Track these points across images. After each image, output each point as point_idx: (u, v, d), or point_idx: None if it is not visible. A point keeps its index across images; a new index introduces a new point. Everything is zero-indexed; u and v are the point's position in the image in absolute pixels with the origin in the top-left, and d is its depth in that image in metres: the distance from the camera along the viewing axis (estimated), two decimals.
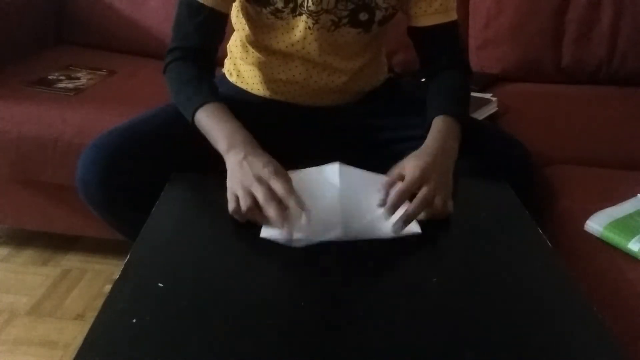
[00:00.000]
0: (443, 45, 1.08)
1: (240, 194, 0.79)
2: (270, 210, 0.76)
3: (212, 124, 0.91)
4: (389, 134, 1.10)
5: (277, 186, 0.78)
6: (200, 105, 0.93)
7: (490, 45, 1.73)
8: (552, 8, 1.68)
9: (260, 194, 0.78)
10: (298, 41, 1.04)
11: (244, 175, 0.81)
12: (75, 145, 1.30)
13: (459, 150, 0.94)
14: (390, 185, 0.83)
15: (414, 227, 0.80)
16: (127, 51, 1.77)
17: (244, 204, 0.78)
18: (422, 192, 0.81)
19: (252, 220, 0.79)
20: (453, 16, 1.06)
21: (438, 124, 0.95)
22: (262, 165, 0.81)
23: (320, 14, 1.00)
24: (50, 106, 1.38)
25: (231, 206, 0.80)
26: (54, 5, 1.79)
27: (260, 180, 0.79)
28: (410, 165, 0.85)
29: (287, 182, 0.79)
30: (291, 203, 0.76)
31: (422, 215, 0.81)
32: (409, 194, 0.81)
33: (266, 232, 0.78)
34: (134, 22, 1.76)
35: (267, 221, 0.78)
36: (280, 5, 0.99)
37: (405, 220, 0.79)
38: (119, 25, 1.77)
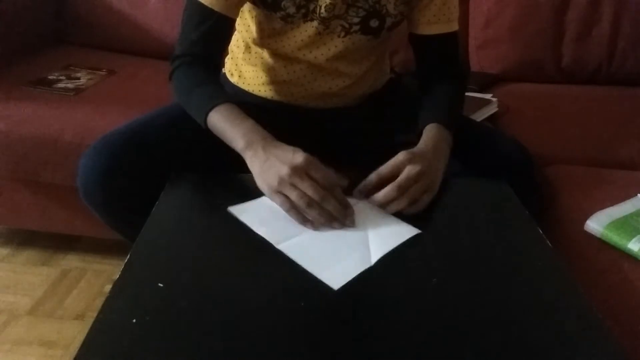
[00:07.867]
0: (442, 55, 1.09)
1: (278, 201, 0.80)
2: (313, 214, 0.78)
3: (227, 124, 0.90)
4: (388, 137, 1.10)
5: (311, 189, 0.78)
6: (212, 108, 0.92)
7: (490, 45, 1.73)
8: (552, 8, 1.68)
9: (295, 198, 0.79)
10: (306, 46, 1.03)
11: (272, 177, 0.81)
12: (75, 145, 1.30)
13: (457, 153, 0.93)
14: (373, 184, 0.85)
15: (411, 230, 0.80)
16: (127, 51, 1.77)
17: (290, 207, 0.80)
18: (406, 171, 0.83)
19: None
20: (455, 27, 1.07)
21: (430, 130, 0.95)
22: (289, 158, 0.81)
23: (331, 20, 1.00)
24: (50, 106, 1.38)
25: (285, 207, 0.80)
26: (54, 5, 1.79)
27: (292, 179, 0.79)
28: (399, 155, 0.86)
29: (321, 174, 0.80)
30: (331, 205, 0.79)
31: (395, 206, 0.82)
32: (395, 174, 0.83)
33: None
34: (134, 22, 1.76)
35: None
36: (291, 10, 0.98)
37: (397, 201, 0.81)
38: (119, 25, 1.76)
